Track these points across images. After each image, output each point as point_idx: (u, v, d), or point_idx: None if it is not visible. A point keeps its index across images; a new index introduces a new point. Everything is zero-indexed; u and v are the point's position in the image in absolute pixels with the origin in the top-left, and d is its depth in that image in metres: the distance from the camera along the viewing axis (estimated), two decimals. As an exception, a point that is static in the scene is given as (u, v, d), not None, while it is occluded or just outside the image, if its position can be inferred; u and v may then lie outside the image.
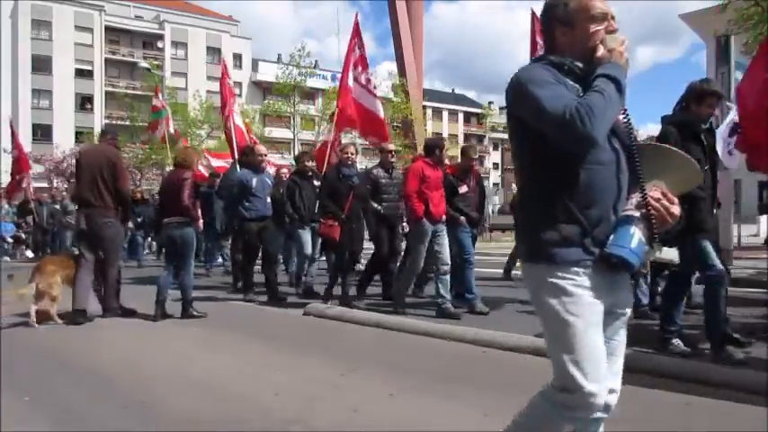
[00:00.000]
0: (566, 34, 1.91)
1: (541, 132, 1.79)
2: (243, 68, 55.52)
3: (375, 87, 8.92)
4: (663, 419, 3.20)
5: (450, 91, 75.49)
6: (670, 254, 1.92)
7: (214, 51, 53.30)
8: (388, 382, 3.89)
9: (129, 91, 45.08)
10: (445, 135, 64.57)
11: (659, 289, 5.93)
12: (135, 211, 11.33)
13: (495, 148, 72.31)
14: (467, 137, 70.12)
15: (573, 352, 1.77)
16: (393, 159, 7.53)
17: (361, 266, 8.27)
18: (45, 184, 29.51)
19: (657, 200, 1.80)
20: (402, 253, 7.54)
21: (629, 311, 2.00)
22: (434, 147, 6.49)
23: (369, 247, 7.57)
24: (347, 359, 4.53)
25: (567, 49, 1.91)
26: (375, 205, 7.02)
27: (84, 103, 48.67)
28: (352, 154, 7.00)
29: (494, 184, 62.60)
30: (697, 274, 4.74)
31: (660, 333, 4.48)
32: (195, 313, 6.43)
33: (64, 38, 47.02)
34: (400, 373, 4.17)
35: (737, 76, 12.09)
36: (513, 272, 9.11)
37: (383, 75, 35.13)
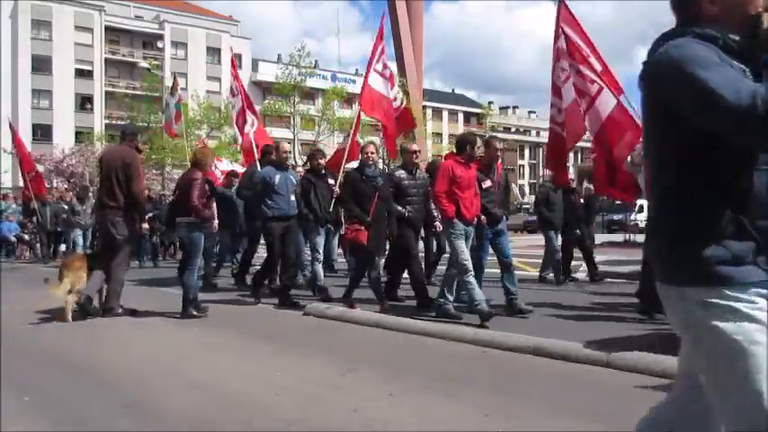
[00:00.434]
0: (715, 1, 1.54)
1: (703, 125, 1.44)
2: (243, 68, 55.50)
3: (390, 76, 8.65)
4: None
5: (451, 91, 75.51)
6: None
7: (214, 51, 53.33)
8: (388, 382, 3.89)
9: (129, 91, 45.11)
10: (445, 135, 64.64)
11: None
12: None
13: (495, 148, 72.22)
14: (467, 137, 70.16)
15: (763, 386, 1.44)
16: (417, 160, 7.14)
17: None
18: (45, 185, 29.48)
19: None
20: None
21: None
22: (465, 143, 6.02)
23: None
24: (347, 359, 4.53)
25: (718, 19, 1.53)
26: (400, 208, 6.62)
27: (84, 103, 48.68)
28: (372, 153, 6.70)
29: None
30: None
31: None
32: (195, 313, 6.43)
33: (64, 38, 47.02)
34: (400, 373, 4.17)
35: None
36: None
37: (383, 75, 35.10)
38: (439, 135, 64.26)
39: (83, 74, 48.46)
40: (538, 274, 9.19)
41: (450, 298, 6.01)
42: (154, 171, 34.66)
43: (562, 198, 8.74)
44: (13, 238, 15.97)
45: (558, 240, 8.84)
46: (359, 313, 6.22)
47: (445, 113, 70.66)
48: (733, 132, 1.40)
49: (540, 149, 69.63)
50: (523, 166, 77.01)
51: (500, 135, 65.78)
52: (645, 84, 1.58)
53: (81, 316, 6.25)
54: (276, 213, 7.07)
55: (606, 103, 6.35)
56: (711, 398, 1.56)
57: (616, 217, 26.25)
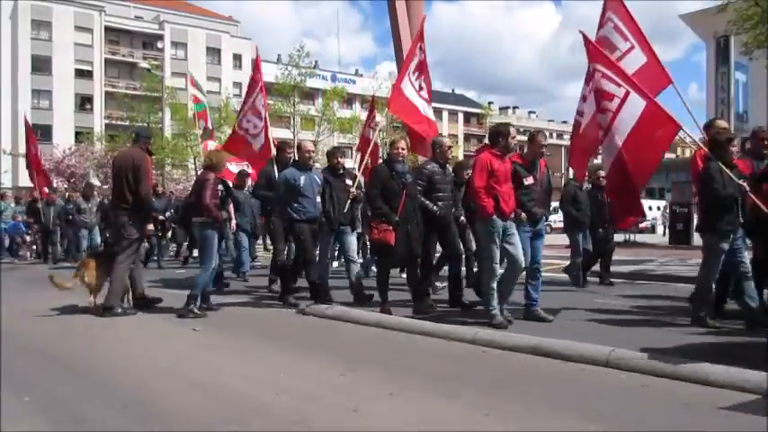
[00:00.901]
0: None
1: None
2: (243, 69, 55.55)
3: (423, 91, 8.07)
4: (662, 419, 3.20)
5: (451, 91, 75.50)
6: None
7: (214, 52, 53.33)
8: (388, 382, 3.89)
9: (128, 91, 45.12)
10: (445, 135, 64.66)
11: None
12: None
13: (495, 148, 72.23)
14: (466, 137, 70.21)
15: None
16: (450, 155, 6.80)
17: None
18: (52, 182, 29.52)
19: None
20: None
21: None
22: (497, 134, 5.65)
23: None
24: (347, 359, 4.52)
25: None
26: (431, 205, 6.36)
27: (83, 103, 48.73)
28: (403, 149, 6.35)
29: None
30: None
31: None
32: (195, 310, 6.40)
33: (64, 38, 47.06)
34: (400, 373, 4.17)
35: (737, 76, 12.08)
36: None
37: (383, 75, 35.19)
38: (439, 135, 64.21)
39: (83, 74, 48.51)
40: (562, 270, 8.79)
41: (497, 304, 5.55)
42: (154, 171, 34.60)
43: (587, 196, 8.35)
44: (20, 238, 15.87)
45: (588, 242, 8.42)
46: (359, 313, 6.21)
47: (445, 114, 70.68)
48: None
49: (540, 150, 69.41)
50: (523, 166, 76.87)
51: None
52: None
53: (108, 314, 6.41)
54: (303, 216, 6.83)
55: (630, 115, 5.67)
56: None
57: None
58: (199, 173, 7.89)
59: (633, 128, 5.64)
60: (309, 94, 40.00)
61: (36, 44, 46.34)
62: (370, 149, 8.75)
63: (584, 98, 7.06)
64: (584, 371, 4.10)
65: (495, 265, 5.53)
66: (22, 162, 34.83)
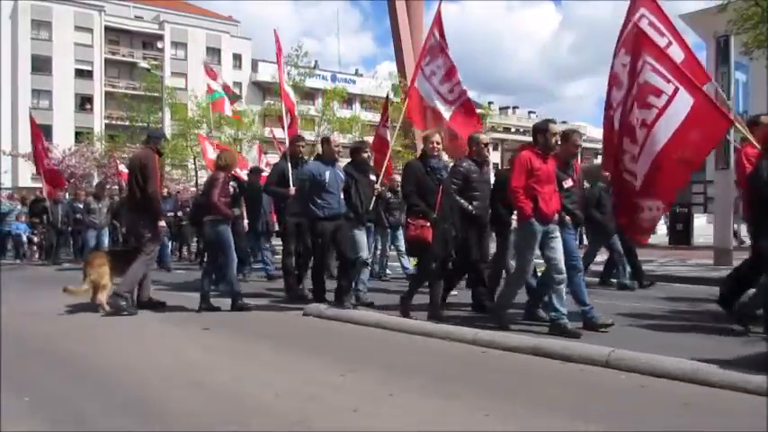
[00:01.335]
0: None
1: None
2: (242, 69, 55.55)
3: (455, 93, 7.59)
4: (662, 419, 3.20)
5: (450, 91, 75.37)
6: None
7: (214, 52, 53.30)
8: (388, 382, 3.89)
9: (128, 91, 45.08)
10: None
11: None
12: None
13: (495, 148, 72.29)
14: (467, 137, 70.06)
15: None
16: (488, 154, 6.53)
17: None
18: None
19: None
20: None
21: None
22: (534, 131, 5.40)
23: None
24: (347, 359, 4.53)
25: None
26: (465, 204, 6.14)
27: (83, 103, 48.70)
28: (437, 144, 6.11)
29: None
30: None
31: None
32: (247, 305, 6.76)
33: (64, 38, 47.05)
34: (400, 373, 4.18)
35: (737, 76, 12.06)
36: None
37: (383, 75, 35.16)
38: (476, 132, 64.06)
39: (83, 74, 48.49)
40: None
41: (564, 311, 5.17)
42: (155, 171, 34.60)
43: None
44: (26, 239, 15.70)
45: (617, 242, 8.08)
46: (359, 313, 6.22)
47: (445, 113, 70.62)
48: None
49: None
50: (523, 166, 76.83)
51: (500, 135, 66.03)
52: None
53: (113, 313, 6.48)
54: (327, 213, 6.64)
55: (677, 113, 5.41)
56: None
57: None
58: (204, 173, 7.95)
59: (678, 127, 5.38)
60: (309, 94, 39.88)
61: (36, 44, 46.33)
62: (389, 153, 8.54)
63: (616, 88, 6.33)
64: (584, 371, 4.10)
65: (527, 275, 5.34)
66: (23, 162, 34.89)
